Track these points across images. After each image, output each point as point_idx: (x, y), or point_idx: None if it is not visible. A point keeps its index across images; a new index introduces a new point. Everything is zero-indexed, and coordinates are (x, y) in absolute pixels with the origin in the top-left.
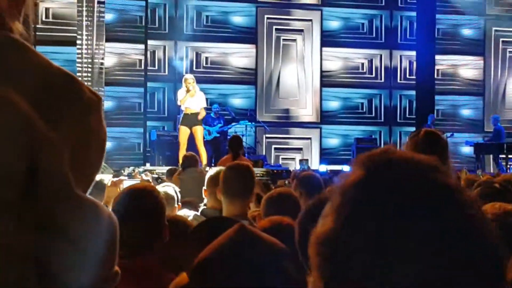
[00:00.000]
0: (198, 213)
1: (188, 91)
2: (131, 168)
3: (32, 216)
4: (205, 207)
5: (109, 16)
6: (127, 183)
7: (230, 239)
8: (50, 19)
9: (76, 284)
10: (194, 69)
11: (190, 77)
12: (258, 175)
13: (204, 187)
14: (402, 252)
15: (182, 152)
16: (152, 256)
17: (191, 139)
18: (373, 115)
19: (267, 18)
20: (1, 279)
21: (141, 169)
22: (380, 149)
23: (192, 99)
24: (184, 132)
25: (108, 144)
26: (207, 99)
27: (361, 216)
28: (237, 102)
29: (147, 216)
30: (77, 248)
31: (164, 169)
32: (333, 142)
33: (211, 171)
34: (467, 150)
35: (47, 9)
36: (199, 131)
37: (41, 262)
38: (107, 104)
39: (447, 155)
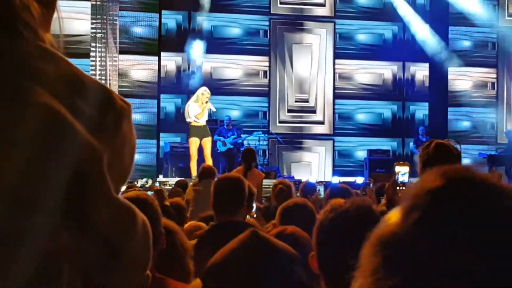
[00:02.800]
0: None
1: (202, 104)
2: (144, 179)
3: (71, 218)
4: None
5: (122, 29)
6: None
7: (243, 244)
8: (64, 32)
9: (113, 285)
10: (207, 81)
11: (208, 91)
12: (270, 186)
13: None
14: (467, 264)
15: (194, 163)
16: (150, 265)
17: (199, 150)
18: (386, 127)
19: (280, 30)
20: (47, 280)
21: (150, 181)
22: (464, 166)
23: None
24: (195, 144)
25: None
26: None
27: (431, 225)
28: (250, 113)
29: None
30: (113, 250)
31: (174, 180)
32: (346, 153)
33: None
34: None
35: (60, 21)
36: (208, 143)
37: (78, 263)
38: None
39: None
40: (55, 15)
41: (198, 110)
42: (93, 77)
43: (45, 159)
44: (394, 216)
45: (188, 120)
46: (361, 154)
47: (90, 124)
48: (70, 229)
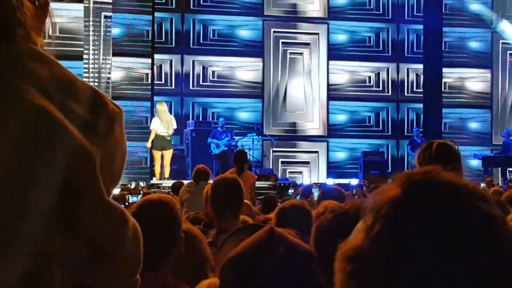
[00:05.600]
0: None
1: None
2: (138, 181)
3: (62, 221)
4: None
5: (115, 31)
6: (130, 198)
7: (260, 240)
8: (57, 34)
9: None
10: (200, 83)
11: None
12: (264, 188)
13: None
14: (433, 278)
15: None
16: (166, 269)
17: (204, 153)
18: (380, 128)
19: (274, 31)
20: (38, 281)
21: (143, 183)
22: (423, 169)
23: None
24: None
25: None
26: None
27: (393, 236)
28: (244, 115)
29: (162, 229)
30: (102, 254)
31: (169, 182)
32: (340, 155)
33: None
34: (475, 163)
35: (53, 24)
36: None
37: (68, 266)
38: None
39: (460, 166)
40: (48, 21)
41: None
42: (86, 79)
43: (36, 159)
44: (359, 230)
45: (173, 130)
46: (355, 155)
47: (82, 125)
48: (62, 230)
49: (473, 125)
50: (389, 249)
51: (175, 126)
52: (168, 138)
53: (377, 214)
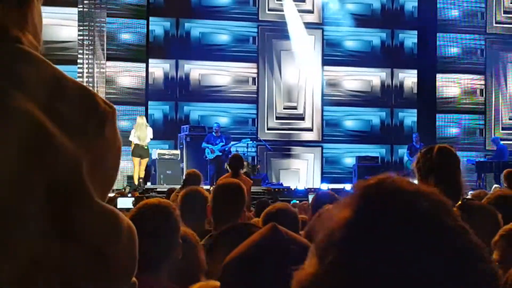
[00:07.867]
0: None
1: None
2: (132, 186)
3: (54, 227)
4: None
5: (110, 35)
6: (120, 200)
7: (263, 238)
8: (51, 38)
9: None
10: (195, 87)
11: None
12: (258, 193)
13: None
14: None
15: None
16: (162, 273)
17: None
18: (375, 133)
19: (269, 37)
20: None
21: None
22: (375, 181)
23: None
24: None
25: None
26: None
27: (347, 263)
28: (239, 120)
29: (160, 232)
30: (98, 257)
31: (164, 187)
32: (334, 160)
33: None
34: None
35: (47, 28)
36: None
37: (64, 272)
38: None
39: (460, 170)
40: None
41: None
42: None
43: (24, 169)
44: (312, 255)
45: (148, 141)
46: (349, 161)
47: (70, 128)
48: (59, 237)
49: (467, 131)
50: (343, 277)
51: (150, 137)
52: (146, 148)
53: (330, 239)
